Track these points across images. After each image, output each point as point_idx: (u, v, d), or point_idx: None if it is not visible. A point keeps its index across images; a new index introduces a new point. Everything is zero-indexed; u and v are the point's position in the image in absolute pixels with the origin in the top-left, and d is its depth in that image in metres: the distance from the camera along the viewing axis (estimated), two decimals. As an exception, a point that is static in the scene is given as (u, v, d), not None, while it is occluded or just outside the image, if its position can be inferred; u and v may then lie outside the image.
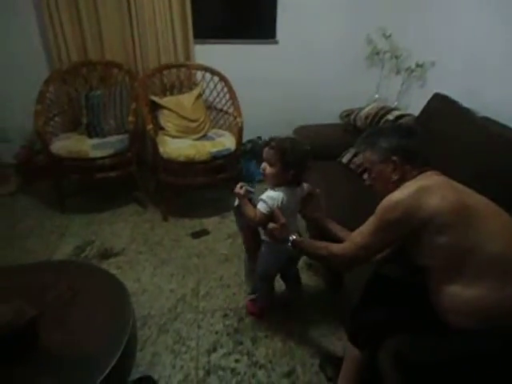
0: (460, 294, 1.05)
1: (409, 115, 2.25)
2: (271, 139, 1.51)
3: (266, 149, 1.49)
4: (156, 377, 1.51)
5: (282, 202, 1.48)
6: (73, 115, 2.75)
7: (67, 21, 2.57)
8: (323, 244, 1.33)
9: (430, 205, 1.06)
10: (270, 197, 1.48)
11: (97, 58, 2.73)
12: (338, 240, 1.39)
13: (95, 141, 2.52)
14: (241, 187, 1.54)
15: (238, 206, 1.59)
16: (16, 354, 1.03)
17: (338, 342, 1.67)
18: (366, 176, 1.34)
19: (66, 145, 2.43)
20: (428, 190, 1.08)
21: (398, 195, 1.12)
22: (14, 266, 1.53)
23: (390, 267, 1.32)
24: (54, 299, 1.23)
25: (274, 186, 1.52)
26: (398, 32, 2.83)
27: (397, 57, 2.88)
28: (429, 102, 2.12)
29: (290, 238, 1.39)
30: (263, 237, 1.61)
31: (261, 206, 1.48)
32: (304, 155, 1.49)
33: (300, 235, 1.58)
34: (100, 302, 1.26)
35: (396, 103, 2.92)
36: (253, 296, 1.87)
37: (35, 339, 1.07)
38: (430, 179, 1.15)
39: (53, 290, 1.26)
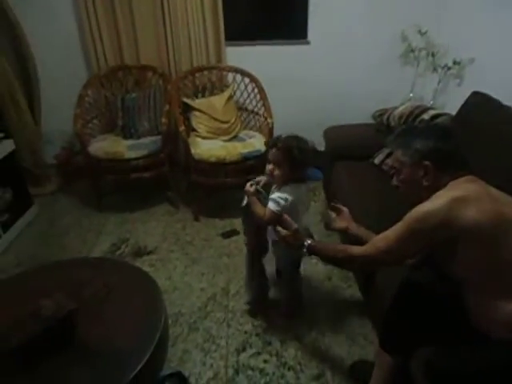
0: (503, 306, 1.00)
1: (445, 114, 2.18)
2: (276, 140, 1.51)
3: (273, 150, 1.50)
4: (186, 373, 1.55)
5: (292, 202, 1.49)
6: (109, 117, 2.86)
7: (105, 28, 2.68)
8: (341, 247, 1.31)
9: (465, 217, 1.00)
10: (281, 197, 1.49)
11: (132, 62, 2.82)
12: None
13: (130, 142, 2.61)
14: (251, 185, 1.56)
15: (246, 205, 1.59)
16: (56, 344, 1.09)
17: (370, 347, 1.64)
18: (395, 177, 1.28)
19: (102, 146, 2.53)
20: (462, 202, 1.02)
21: (429, 206, 1.07)
22: (54, 262, 1.61)
23: (422, 273, 1.28)
24: (90, 295, 1.28)
25: (281, 185, 1.53)
26: (435, 28, 2.74)
27: (433, 54, 2.80)
28: (467, 101, 2.04)
29: (305, 243, 1.35)
30: (273, 237, 1.60)
31: (271, 206, 1.49)
32: (309, 153, 1.50)
33: (311, 235, 1.61)
34: (134, 299, 1.30)
35: (432, 102, 2.83)
36: (248, 306, 1.87)
37: (73, 332, 1.12)
38: (464, 188, 1.08)
39: (89, 286, 1.31)
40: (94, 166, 2.58)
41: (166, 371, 1.49)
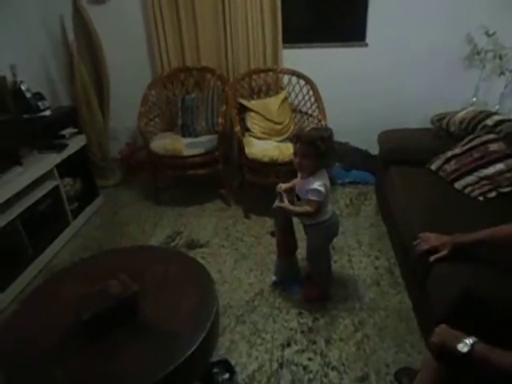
0: None
1: (511, 120, 2.06)
2: (299, 134, 1.62)
3: (298, 145, 1.60)
4: (233, 363, 1.61)
5: (328, 187, 1.64)
6: (170, 116, 3.03)
7: (170, 32, 2.85)
8: None
9: None
10: (321, 184, 1.60)
11: (193, 64, 2.97)
12: None
13: (188, 140, 2.75)
14: (281, 187, 1.73)
15: (277, 207, 1.74)
16: (120, 320, 1.20)
17: (417, 355, 1.61)
18: None
19: (163, 143, 2.69)
20: None
21: None
22: (119, 248, 1.75)
23: (485, 286, 1.16)
24: (151, 279, 1.39)
25: (311, 174, 1.63)
26: (504, 30, 2.60)
27: (501, 57, 2.65)
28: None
29: (468, 341, 0.93)
30: (309, 222, 1.76)
31: (315, 196, 1.61)
32: (331, 141, 1.61)
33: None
34: (189, 287, 1.39)
35: (497, 107, 2.69)
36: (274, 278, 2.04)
37: (136, 310, 1.23)
38: None
39: (150, 271, 1.43)
40: (154, 162, 2.75)
41: (215, 358, 1.57)
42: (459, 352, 0.91)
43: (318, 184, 1.60)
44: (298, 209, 1.71)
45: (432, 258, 1.42)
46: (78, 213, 2.64)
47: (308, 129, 1.64)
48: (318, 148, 1.55)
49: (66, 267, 1.64)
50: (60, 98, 3.08)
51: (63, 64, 2.90)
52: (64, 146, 2.48)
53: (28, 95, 2.45)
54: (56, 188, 2.39)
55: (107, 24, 2.87)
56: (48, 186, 2.33)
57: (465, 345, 0.92)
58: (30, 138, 2.39)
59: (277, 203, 1.75)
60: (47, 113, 2.51)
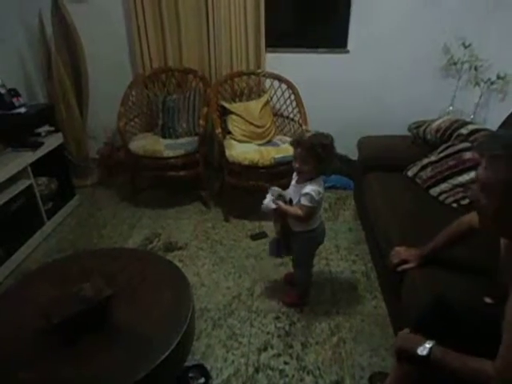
0: None
1: (485, 130, 2.13)
2: (300, 139, 1.61)
3: (298, 150, 1.59)
4: (208, 367, 1.60)
5: (322, 194, 1.63)
6: (150, 117, 2.99)
7: (152, 31, 2.82)
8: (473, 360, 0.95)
9: None
10: (314, 190, 1.59)
11: (175, 65, 2.94)
12: None
13: (168, 141, 2.72)
14: (272, 194, 1.70)
15: (265, 207, 1.70)
16: (92, 324, 1.17)
17: (391, 359, 1.63)
18: (474, 187, 0.99)
19: (142, 144, 2.65)
20: None
21: None
22: (94, 249, 1.71)
23: (455, 293, 1.21)
24: (125, 282, 1.36)
25: (308, 180, 1.62)
26: (480, 42, 2.69)
27: (476, 68, 2.73)
28: (508, 117, 1.99)
29: (427, 345, 1.01)
30: (297, 228, 1.74)
31: (307, 201, 1.59)
32: (332, 147, 1.60)
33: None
34: (164, 290, 1.37)
35: (472, 117, 2.77)
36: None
37: (108, 314, 1.20)
38: None
39: (125, 273, 1.40)
40: (133, 163, 2.71)
41: (189, 362, 1.56)
42: (419, 355, 1.00)
43: (311, 189, 1.59)
44: (290, 209, 1.67)
45: (399, 268, 1.51)
46: (52, 213, 2.57)
47: (309, 134, 1.63)
48: (318, 154, 1.55)
49: (38, 269, 1.59)
50: (37, 95, 3.00)
51: (40, 60, 2.82)
52: (39, 145, 2.41)
53: (2, 91, 2.38)
54: (30, 187, 2.32)
55: (87, 21, 2.82)
56: (21, 185, 2.26)
57: (424, 348, 1.00)
58: (4, 135, 2.31)
59: (267, 202, 1.68)
60: (22, 110, 2.43)
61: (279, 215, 1.73)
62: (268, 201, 1.67)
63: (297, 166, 1.62)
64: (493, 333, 0.92)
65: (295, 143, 1.62)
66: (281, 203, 1.66)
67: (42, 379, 1.06)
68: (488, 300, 1.21)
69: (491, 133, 1.45)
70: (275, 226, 1.83)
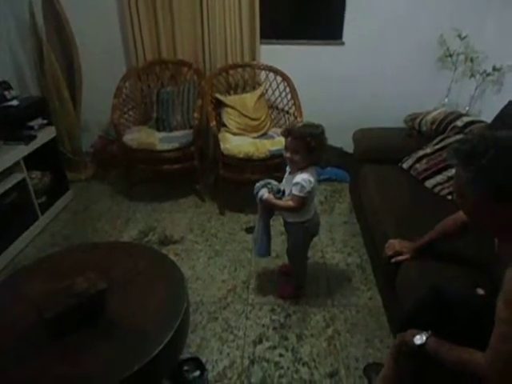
0: None
1: (481, 122, 2.13)
2: (291, 129, 1.61)
3: (289, 139, 1.59)
4: (204, 360, 1.60)
5: (314, 184, 1.61)
6: (144, 110, 2.96)
7: (145, 23, 2.77)
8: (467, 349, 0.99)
9: None
10: (305, 179, 1.59)
11: (169, 57, 2.91)
12: None
13: (163, 134, 2.70)
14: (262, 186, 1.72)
15: (259, 199, 1.72)
16: (86, 318, 1.17)
17: (385, 351, 1.64)
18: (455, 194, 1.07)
19: (136, 137, 2.63)
20: None
21: None
22: (89, 243, 1.70)
23: (449, 285, 1.22)
24: (120, 276, 1.36)
25: (300, 170, 1.62)
26: (476, 33, 2.67)
27: (472, 59, 2.72)
28: (503, 109, 1.99)
29: (423, 335, 1.09)
30: (290, 219, 1.76)
31: (298, 191, 1.59)
32: (322, 138, 1.60)
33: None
34: (159, 284, 1.36)
35: (467, 108, 2.76)
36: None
37: (102, 308, 1.20)
38: None
39: (120, 267, 1.39)
40: (127, 156, 2.69)
41: (184, 355, 1.56)
42: (415, 344, 1.08)
43: (301, 178, 1.59)
44: (280, 203, 1.68)
45: (393, 260, 1.53)
46: (46, 207, 2.55)
47: (300, 124, 1.64)
48: (308, 144, 1.55)
49: (32, 263, 1.58)
50: (29, 88, 2.95)
51: (32, 52, 2.78)
52: (32, 138, 2.38)
53: (-7, 84, 2.35)
54: (23, 181, 2.30)
55: (79, 12, 2.77)
56: (14, 179, 2.23)
57: (420, 338, 1.09)
58: (-4, 128, 2.29)
59: (264, 191, 1.70)
60: (14, 102, 2.40)
61: (265, 207, 1.74)
62: (264, 190, 1.70)
63: (288, 155, 1.62)
64: (484, 323, 0.94)
65: (286, 133, 1.62)
66: (271, 196, 1.67)
67: (34, 376, 1.05)
68: (480, 291, 1.23)
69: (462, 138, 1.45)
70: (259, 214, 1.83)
